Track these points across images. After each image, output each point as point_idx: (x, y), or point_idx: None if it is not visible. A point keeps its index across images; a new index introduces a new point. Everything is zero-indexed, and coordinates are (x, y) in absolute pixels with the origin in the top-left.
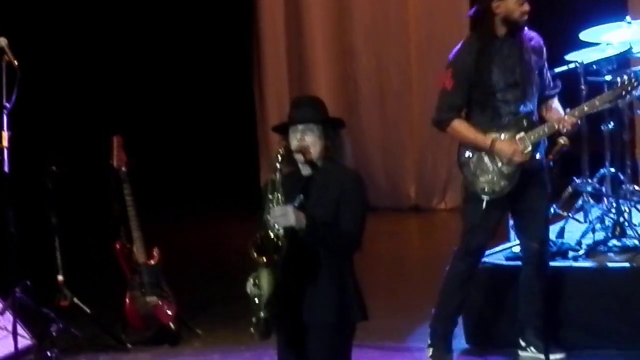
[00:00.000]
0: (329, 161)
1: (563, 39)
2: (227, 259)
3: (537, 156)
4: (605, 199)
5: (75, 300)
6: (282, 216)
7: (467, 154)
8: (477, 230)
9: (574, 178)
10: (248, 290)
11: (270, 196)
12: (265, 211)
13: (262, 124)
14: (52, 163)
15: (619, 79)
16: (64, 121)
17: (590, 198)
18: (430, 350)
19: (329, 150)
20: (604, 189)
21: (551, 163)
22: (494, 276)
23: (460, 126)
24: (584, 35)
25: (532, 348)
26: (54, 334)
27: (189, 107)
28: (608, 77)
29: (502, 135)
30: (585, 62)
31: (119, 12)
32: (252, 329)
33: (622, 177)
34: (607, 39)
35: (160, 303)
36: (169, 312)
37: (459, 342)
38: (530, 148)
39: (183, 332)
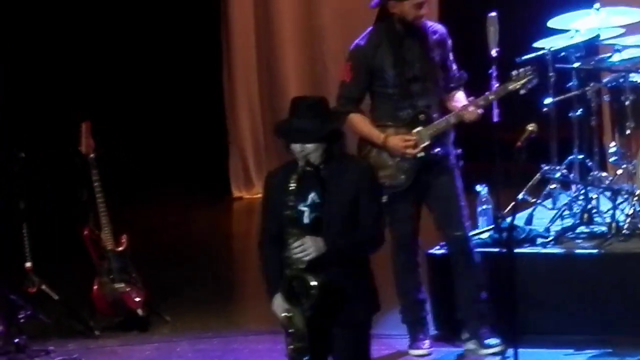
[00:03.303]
0: (334, 156)
1: (531, 26)
2: (194, 244)
3: (436, 150)
4: (573, 186)
5: (44, 286)
6: (302, 252)
7: (367, 149)
8: (396, 224)
9: (543, 164)
10: (280, 320)
11: (289, 229)
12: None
13: (230, 106)
14: (21, 149)
15: (514, 73)
16: (33, 107)
17: (558, 185)
18: (409, 341)
19: (332, 148)
20: (572, 176)
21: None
22: None
23: (356, 120)
24: (553, 23)
25: (472, 341)
26: (22, 320)
27: (155, 89)
28: (576, 64)
29: (400, 130)
30: (553, 49)
31: None
32: (290, 353)
33: (590, 163)
34: (575, 26)
35: (128, 289)
36: (137, 299)
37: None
38: (427, 142)
39: (152, 319)
